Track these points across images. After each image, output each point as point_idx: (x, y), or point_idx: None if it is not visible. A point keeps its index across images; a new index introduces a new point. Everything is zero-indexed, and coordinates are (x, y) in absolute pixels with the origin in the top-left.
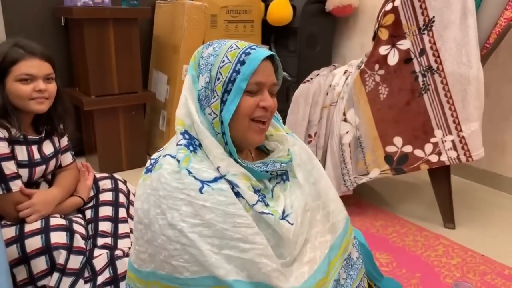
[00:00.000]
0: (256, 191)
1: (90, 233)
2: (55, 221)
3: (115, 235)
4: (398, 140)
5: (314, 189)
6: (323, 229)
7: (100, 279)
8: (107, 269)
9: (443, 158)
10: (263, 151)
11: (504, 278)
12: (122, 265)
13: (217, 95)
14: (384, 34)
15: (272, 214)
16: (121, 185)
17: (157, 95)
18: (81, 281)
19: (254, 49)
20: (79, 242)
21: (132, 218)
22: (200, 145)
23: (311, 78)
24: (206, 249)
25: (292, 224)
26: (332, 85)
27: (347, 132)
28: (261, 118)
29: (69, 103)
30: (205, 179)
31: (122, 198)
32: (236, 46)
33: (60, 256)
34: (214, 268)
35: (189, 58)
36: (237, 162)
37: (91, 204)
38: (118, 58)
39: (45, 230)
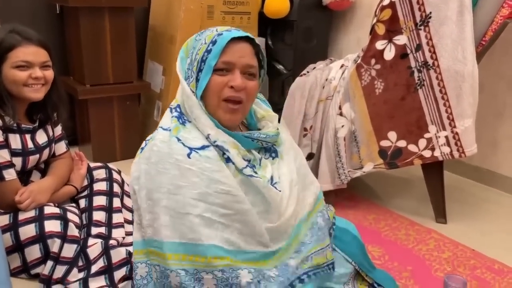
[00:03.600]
0: (245, 160)
1: (84, 222)
2: (49, 209)
3: (109, 225)
4: (392, 135)
5: (297, 172)
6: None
7: (94, 268)
8: (101, 258)
9: (437, 153)
10: (251, 129)
11: (494, 272)
12: (116, 255)
13: (194, 74)
14: (380, 29)
15: (260, 178)
16: (115, 175)
17: (152, 85)
18: (75, 270)
19: (229, 31)
20: (73, 231)
21: (126, 209)
22: (188, 121)
23: (307, 72)
24: (188, 211)
25: (280, 191)
26: (329, 79)
27: (342, 126)
28: (233, 99)
29: (63, 92)
30: (193, 146)
31: (116, 188)
32: (216, 30)
33: (54, 245)
34: (195, 232)
35: None
36: (225, 132)
37: (85, 193)
38: (114, 48)
39: (39, 219)
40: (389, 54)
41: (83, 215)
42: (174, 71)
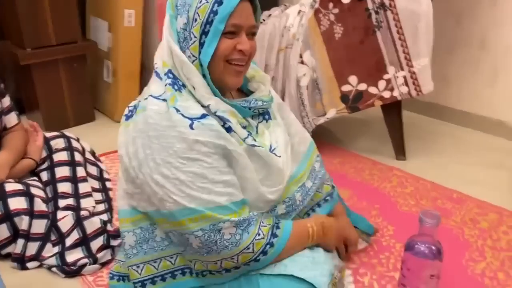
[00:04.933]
0: (243, 127)
1: (50, 195)
2: (11, 186)
3: (77, 195)
4: (353, 79)
5: (287, 128)
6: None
7: (69, 241)
8: (75, 230)
9: (396, 93)
10: (243, 92)
11: (453, 201)
12: (90, 225)
13: (195, 37)
14: None
15: (262, 147)
16: (74, 143)
17: (98, 44)
18: (48, 245)
19: None
20: (40, 206)
21: (91, 177)
22: (183, 86)
23: (263, 20)
24: (204, 182)
25: (279, 156)
26: (287, 26)
27: (304, 74)
28: (238, 62)
29: (7, 59)
30: (193, 116)
31: (78, 157)
32: None
33: (22, 222)
34: (212, 200)
35: (130, 2)
36: (223, 101)
37: (45, 165)
38: (52, 4)
39: (2, 197)
40: None
41: (47, 188)
42: (121, 27)
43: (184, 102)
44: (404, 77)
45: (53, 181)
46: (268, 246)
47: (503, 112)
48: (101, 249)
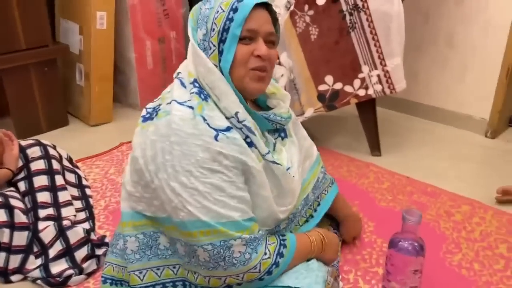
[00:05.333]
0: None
1: (29, 205)
2: None
3: (57, 204)
4: (329, 79)
5: (300, 145)
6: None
7: (52, 252)
8: (58, 241)
9: (370, 91)
10: (262, 109)
11: (428, 195)
12: (73, 235)
13: (214, 46)
14: None
15: (281, 166)
16: (51, 151)
17: (70, 47)
18: (31, 257)
19: None
20: (20, 217)
21: (70, 185)
22: (208, 96)
23: None
24: (221, 195)
25: (294, 176)
26: None
27: (282, 75)
28: (259, 69)
29: None
30: (218, 127)
31: (55, 165)
32: None
33: (3, 235)
34: (227, 215)
35: (102, 3)
36: (247, 110)
37: (22, 175)
38: (21, 7)
39: None
40: None
41: (26, 199)
42: (93, 29)
43: (211, 112)
44: (378, 76)
45: (31, 191)
46: (274, 266)
47: (471, 107)
48: (86, 259)
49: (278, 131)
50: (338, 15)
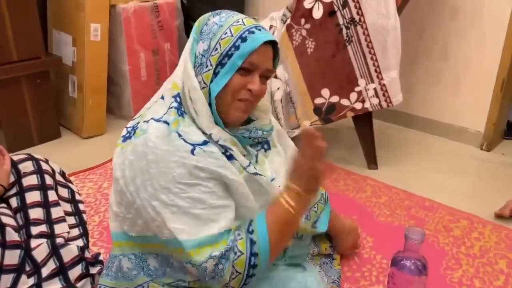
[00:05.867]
0: (243, 156)
1: (21, 222)
2: None
3: (49, 221)
4: (325, 92)
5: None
6: None
7: (45, 271)
8: (51, 260)
9: (367, 105)
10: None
11: (426, 209)
12: (67, 253)
13: (211, 65)
14: None
15: (264, 176)
16: (44, 166)
17: (63, 58)
18: (23, 277)
19: (260, 30)
20: (12, 235)
21: (63, 200)
22: (185, 112)
23: None
24: (202, 208)
25: (279, 186)
26: None
27: (278, 88)
28: (246, 102)
29: None
30: (194, 142)
31: (48, 180)
32: (243, 22)
33: None
34: (211, 227)
35: (96, 15)
36: (224, 130)
37: (14, 191)
38: (13, 18)
39: None
40: (318, 12)
41: (18, 215)
42: (86, 41)
43: (186, 128)
44: (375, 89)
45: (23, 208)
46: (252, 258)
47: (466, 119)
48: (80, 278)
49: (261, 143)
50: (334, 28)
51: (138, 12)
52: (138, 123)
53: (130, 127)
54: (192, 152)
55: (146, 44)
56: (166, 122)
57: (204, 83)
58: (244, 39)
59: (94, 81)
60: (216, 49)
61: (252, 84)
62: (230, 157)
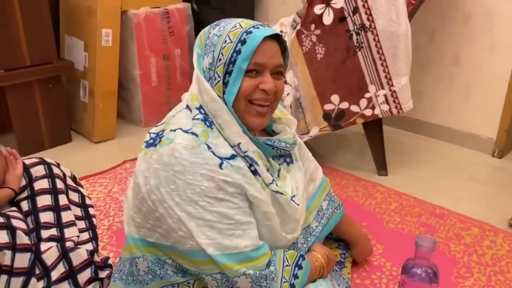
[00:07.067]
0: (266, 170)
1: (31, 226)
2: None
3: (60, 225)
4: (335, 98)
5: (305, 168)
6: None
7: (55, 275)
8: (61, 263)
9: (377, 111)
10: (267, 133)
11: (437, 216)
12: (76, 257)
13: (219, 77)
14: None
15: (284, 195)
16: (55, 170)
17: (74, 63)
18: (33, 280)
19: (258, 28)
20: (22, 239)
21: (74, 204)
22: (213, 123)
23: None
24: (229, 224)
25: (298, 204)
26: None
27: (287, 94)
28: (261, 102)
29: None
30: (223, 155)
31: (59, 184)
32: (240, 25)
33: (5, 257)
34: (237, 245)
35: (108, 21)
36: (251, 139)
37: (25, 194)
38: (26, 25)
39: None
40: (328, 18)
41: (28, 219)
42: (98, 46)
43: (215, 140)
44: (385, 96)
45: (34, 211)
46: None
47: (476, 125)
48: (89, 282)
49: (284, 156)
50: (345, 34)
51: (149, 17)
52: (163, 130)
53: (154, 133)
54: (220, 166)
55: (157, 50)
56: (194, 134)
57: (218, 96)
58: (243, 42)
59: (105, 86)
60: (220, 59)
61: (263, 84)
62: (254, 173)
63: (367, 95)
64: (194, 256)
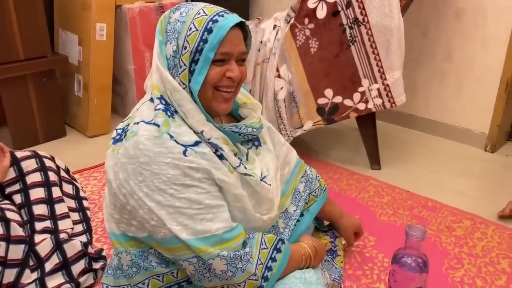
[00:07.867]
0: (234, 154)
1: (25, 218)
2: None
3: (53, 217)
4: (328, 92)
5: (276, 152)
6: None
7: (48, 266)
8: (55, 255)
9: (370, 105)
10: (233, 118)
11: (429, 209)
12: (70, 248)
13: (185, 65)
14: None
15: (253, 176)
16: (48, 163)
17: (69, 57)
18: (27, 271)
19: (222, 15)
20: (16, 230)
21: (67, 196)
22: (175, 112)
23: None
24: (199, 208)
25: (270, 185)
26: (263, 41)
27: (281, 88)
28: (226, 88)
29: None
30: (186, 143)
31: (52, 177)
32: (204, 12)
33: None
34: (209, 228)
35: (102, 15)
36: (216, 127)
37: (18, 187)
38: (20, 19)
39: None
40: (321, 12)
41: (22, 211)
42: (92, 40)
43: (177, 128)
44: (378, 90)
45: (27, 204)
46: (263, 280)
47: (470, 120)
48: (82, 272)
49: (252, 140)
50: (338, 28)
51: (144, 12)
52: (128, 125)
53: (120, 129)
54: (184, 153)
55: (151, 44)
56: (156, 124)
57: (183, 83)
58: (210, 30)
59: (99, 80)
60: (185, 47)
61: (230, 72)
62: (221, 157)
63: (360, 89)
64: (169, 243)
